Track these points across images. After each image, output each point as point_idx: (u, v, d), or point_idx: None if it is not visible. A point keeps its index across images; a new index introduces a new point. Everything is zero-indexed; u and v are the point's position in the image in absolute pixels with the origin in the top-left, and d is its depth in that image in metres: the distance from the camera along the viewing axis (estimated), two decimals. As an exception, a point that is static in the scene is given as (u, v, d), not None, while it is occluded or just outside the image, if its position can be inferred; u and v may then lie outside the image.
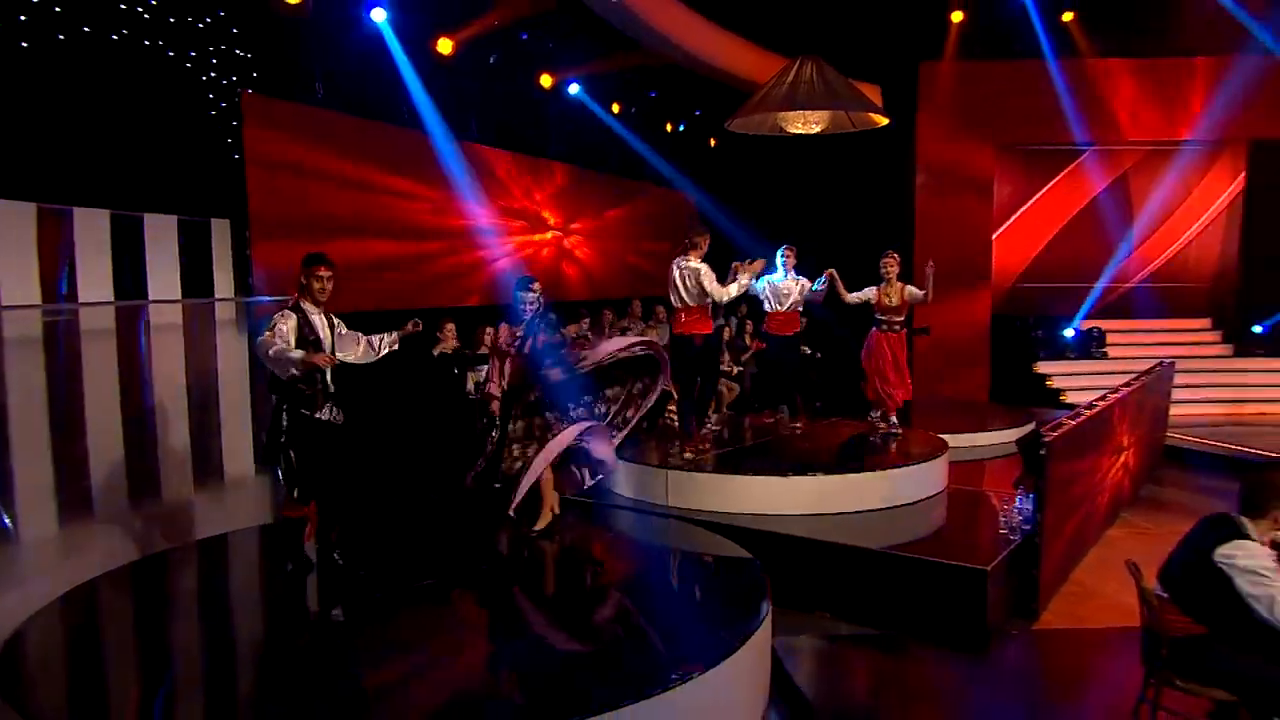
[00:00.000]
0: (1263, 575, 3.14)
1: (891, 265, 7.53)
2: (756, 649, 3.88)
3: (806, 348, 9.52)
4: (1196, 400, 11.36)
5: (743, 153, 11.61)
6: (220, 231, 6.64)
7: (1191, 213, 13.18)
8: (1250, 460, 8.91)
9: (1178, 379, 11.74)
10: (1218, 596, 3.20)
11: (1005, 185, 12.66)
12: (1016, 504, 6.01)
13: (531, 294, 5.14)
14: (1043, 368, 12.03)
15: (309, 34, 7.33)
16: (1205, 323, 12.87)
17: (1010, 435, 8.29)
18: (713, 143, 12.99)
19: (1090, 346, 12.38)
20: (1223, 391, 11.47)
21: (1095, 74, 11.28)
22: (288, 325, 4.32)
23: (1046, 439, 5.16)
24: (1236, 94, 10.85)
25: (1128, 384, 7.54)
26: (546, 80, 9.40)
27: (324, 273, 4.41)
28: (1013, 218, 13.00)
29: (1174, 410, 11.26)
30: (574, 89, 9.97)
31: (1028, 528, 5.32)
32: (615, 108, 10.80)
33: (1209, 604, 3.25)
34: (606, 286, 11.38)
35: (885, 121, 9.11)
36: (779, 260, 7.58)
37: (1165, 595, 3.43)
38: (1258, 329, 12.14)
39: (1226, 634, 3.23)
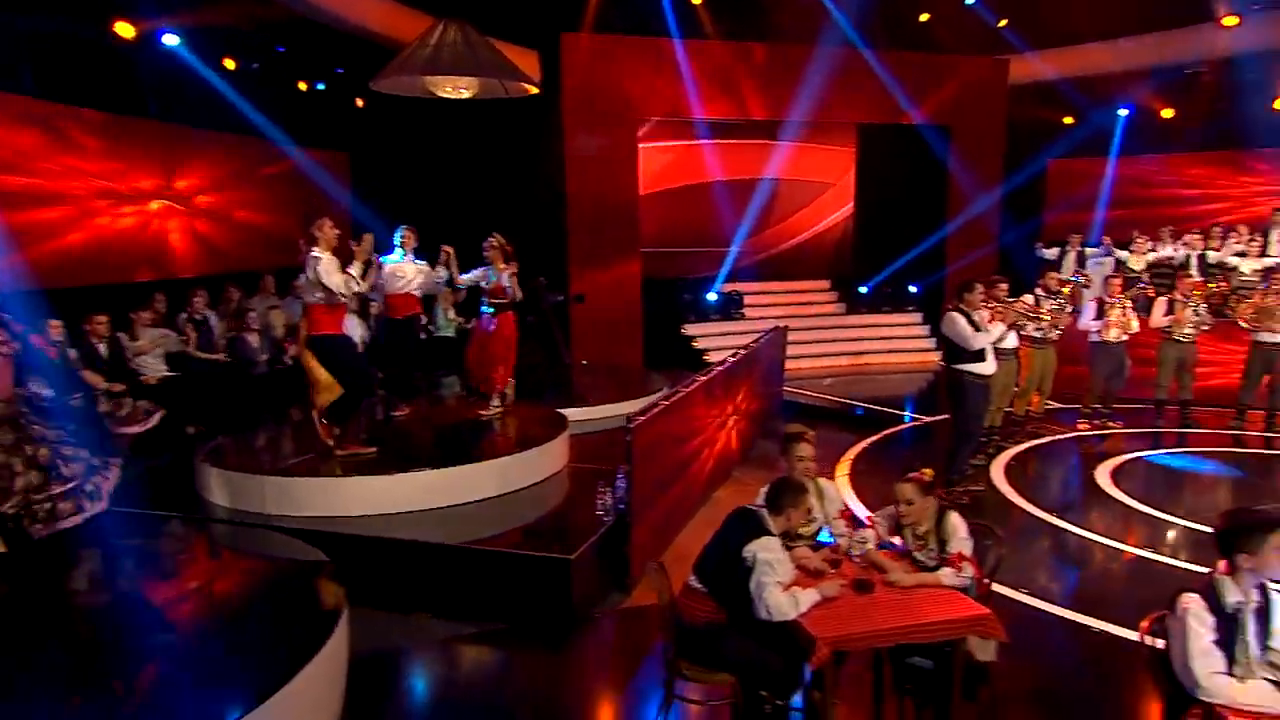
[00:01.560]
0: (773, 568, 3.46)
1: (492, 247, 7.42)
2: (328, 662, 3.67)
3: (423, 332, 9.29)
4: (816, 355, 12.84)
5: (395, 115, 11.05)
6: None
7: (826, 189, 14.75)
8: (852, 412, 10.20)
9: (803, 335, 13.17)
10: (741, 587, 3.48)
11: (652, 156, 13.23)
12: (615, 483, 6.28)
13: None
14: (689, 329, 12.89)
15: None
16: (824, 284, 14.51)
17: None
18: (360, 103, 12.20)
19: (730, 308, 13.44)
20: (838, 345, 13.05)
21: (722, 55, 12.05)
22: None
23: (632, 424, 5.40)
24: (836, 81, 12.21)
25: (734, 354, 8.22)
26: (126, 29, 8.16)
27: None
28: (662, 187, 13.69)
29: (799, 364, 12.63)
30: (171, 40, 8.78)
31: (621, 507, 5.57)
32: (229, 63, 9.70)
33: (733, 594, 3.52)
34: (232, 259, 10.36)
35: (535, 90, 9.09)
36: (396, 240, 7.26)
37: (701, 587, 3.68)
38: (863, 289, 13.89)
39: (741, 621, 3.53)
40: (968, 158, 13.33)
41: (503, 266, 7.39)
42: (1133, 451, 8.30)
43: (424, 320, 9.09)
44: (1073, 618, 4.90)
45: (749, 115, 12.55)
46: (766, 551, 3.47)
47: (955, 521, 3.74)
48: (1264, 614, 2.96)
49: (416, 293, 7.46)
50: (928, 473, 3.78)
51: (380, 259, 6.90)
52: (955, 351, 6.85)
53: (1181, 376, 9.12)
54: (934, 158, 13.43)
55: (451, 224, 8.22)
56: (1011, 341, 7.91)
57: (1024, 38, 13.02)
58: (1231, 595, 2.94)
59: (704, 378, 6.99)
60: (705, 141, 13.77)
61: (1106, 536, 6.12)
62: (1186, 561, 5.62)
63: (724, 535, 3.66)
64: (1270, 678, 2.97)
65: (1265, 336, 8.80)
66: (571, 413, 7.69)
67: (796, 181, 14.61)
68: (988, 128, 13.35)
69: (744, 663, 3.49)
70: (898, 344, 13.31)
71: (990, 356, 6.84)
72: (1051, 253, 12.14)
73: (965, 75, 13.05)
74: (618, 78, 11.66)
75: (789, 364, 12.43)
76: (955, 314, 6.80)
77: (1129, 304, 8.97)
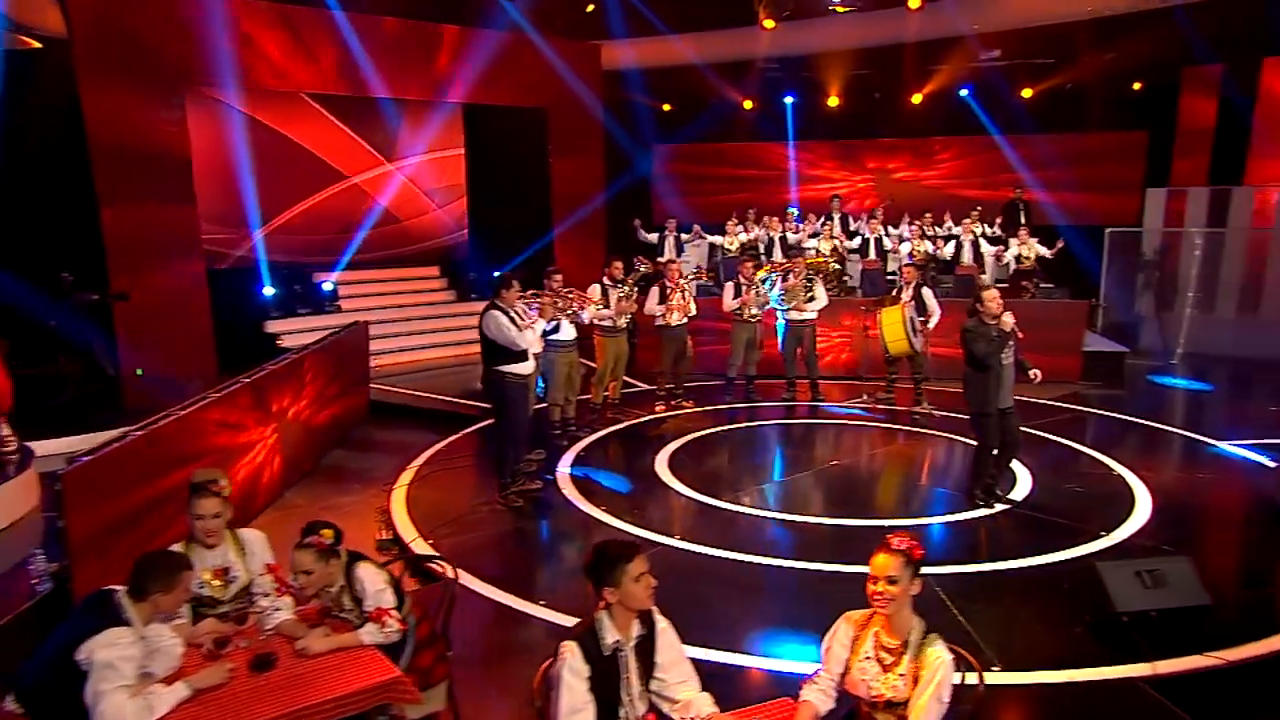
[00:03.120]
0: (115, 670, 2.71)
1: None
2: None
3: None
4: (424, 345, 12.19)
5: None
6: None
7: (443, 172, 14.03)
8: (442, 412, 9.68)
9: (412, 326, 12.45)
10: (75, 702, 2.69)
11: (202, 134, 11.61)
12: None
13: None
14: (274, 326, 11.61)
15: None
16: (434, 270, 13.87)
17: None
18: None
19: (324, 302, 12.35)
20: (449, 335, 12.49)
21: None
22: None
23: (68, 469, 4.36)
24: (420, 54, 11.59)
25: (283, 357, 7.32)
26: None
27: None
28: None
29: (405, 357, 11.90)
30: None
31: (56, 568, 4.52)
32: None
33: (66, 714, 2.72)
34: None
35: (37, 45, 7.41)
36: None
37: (18, 709, 2.81)
38: (472, 276, 13.48)
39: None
40: (567, 142, 13.38)
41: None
42: (697, 430, 8.68)
43: None
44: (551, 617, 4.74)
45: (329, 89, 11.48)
46: (108, 649, 2.73)
47: (364, 574, 3.28)
48: (647, 647, 2.82)
49: None
50: (327, 535, 3.26)
51: None
52: (493, 351, 6.55)
53: (750, 354, 9.77)
54: (538, 143, 13.34)
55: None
56: (568, 333, 7.87)
57: (619, 25, 13.33)
58: (609, 635, 2.76)
59: (237, 383, 6.07)
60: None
61: (659, 530, 6.09)
62: (711, 547, 5.76)
63: (59, 634, 2.85)
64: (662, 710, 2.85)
65: (794, 315, 9.66)
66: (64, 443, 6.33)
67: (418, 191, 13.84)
68: (584, 112, 13.46)
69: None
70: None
71: (530, 357, 6.64)
72: (651, 237, 12.55)
73: (559, 57, 13.01)
74: (150, 33, 9.89)
75: (392, 358, 11.74)
76: (496, 312, 6.49)
77: (687, 288, 9.38)
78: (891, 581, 2.76)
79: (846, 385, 10.45)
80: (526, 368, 6.61)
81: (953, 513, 6.44)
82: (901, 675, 2.74)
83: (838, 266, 11.46)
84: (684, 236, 12.64)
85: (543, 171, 13.38)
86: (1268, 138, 13.39)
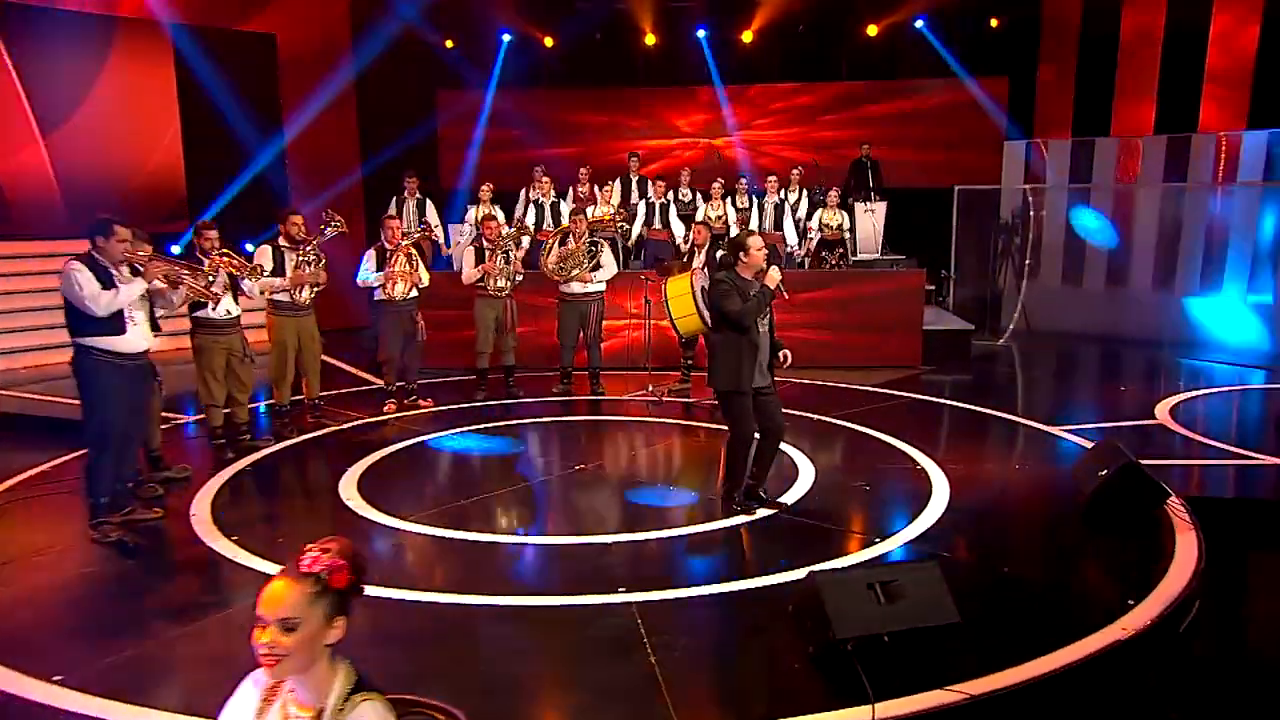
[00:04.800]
0: None
1: None
2: None
3: None
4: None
5: None
6: None
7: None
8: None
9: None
10: None
11: None
12: None
13: None
14: None
15: None
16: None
17: None
18: None
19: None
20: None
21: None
22: None
23: None
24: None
25: None
26: None
27: None
28: None
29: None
30: None
31: None
32: None
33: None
34: None
35: None
36: None
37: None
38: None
39: None
40: (305, 76, 12.46)
41: None
42: (417, 437, 7.88)
43: None
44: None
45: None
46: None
47: None
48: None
49: None
50: None
51: None
52: (77, 319, 5.58)
53: (503, 339, 9.05)
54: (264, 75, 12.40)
55: None
56: (226, 309, 6.97)
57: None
58: None
59: None
60: None
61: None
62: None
63: None
64: None
65: (576, 288, 9.04)
66: None
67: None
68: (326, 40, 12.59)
69: None
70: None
71: (137, 330, 5.70)
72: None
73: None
74: None
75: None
76: (76, 265, 5.52)
77: (414, 251, 8.59)
78: (288, 628, 2.04)
79: (635, 376, 9.86)
80: (127, 344, 5.64)
81: (700, 522, 5.89)
82: None
83: (625, 225, 10.79)
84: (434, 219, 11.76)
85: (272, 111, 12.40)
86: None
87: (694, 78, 15.76)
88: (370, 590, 2.22)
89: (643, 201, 11.49)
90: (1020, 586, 5.02)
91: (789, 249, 11.19)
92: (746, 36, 15.39)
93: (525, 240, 9.86)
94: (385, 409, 8.60)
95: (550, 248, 9.17)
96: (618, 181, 11.88)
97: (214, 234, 6.96)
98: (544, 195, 11.34)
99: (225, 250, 7.00)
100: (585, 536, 5.66)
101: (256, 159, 12.59)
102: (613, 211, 10.98)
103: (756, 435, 5.91)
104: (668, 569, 5.31)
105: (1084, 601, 4.88)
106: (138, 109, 12.62)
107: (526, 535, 5.85)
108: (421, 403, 8.79)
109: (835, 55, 15.71)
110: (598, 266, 9.06)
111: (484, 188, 11.38)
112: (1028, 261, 13.26)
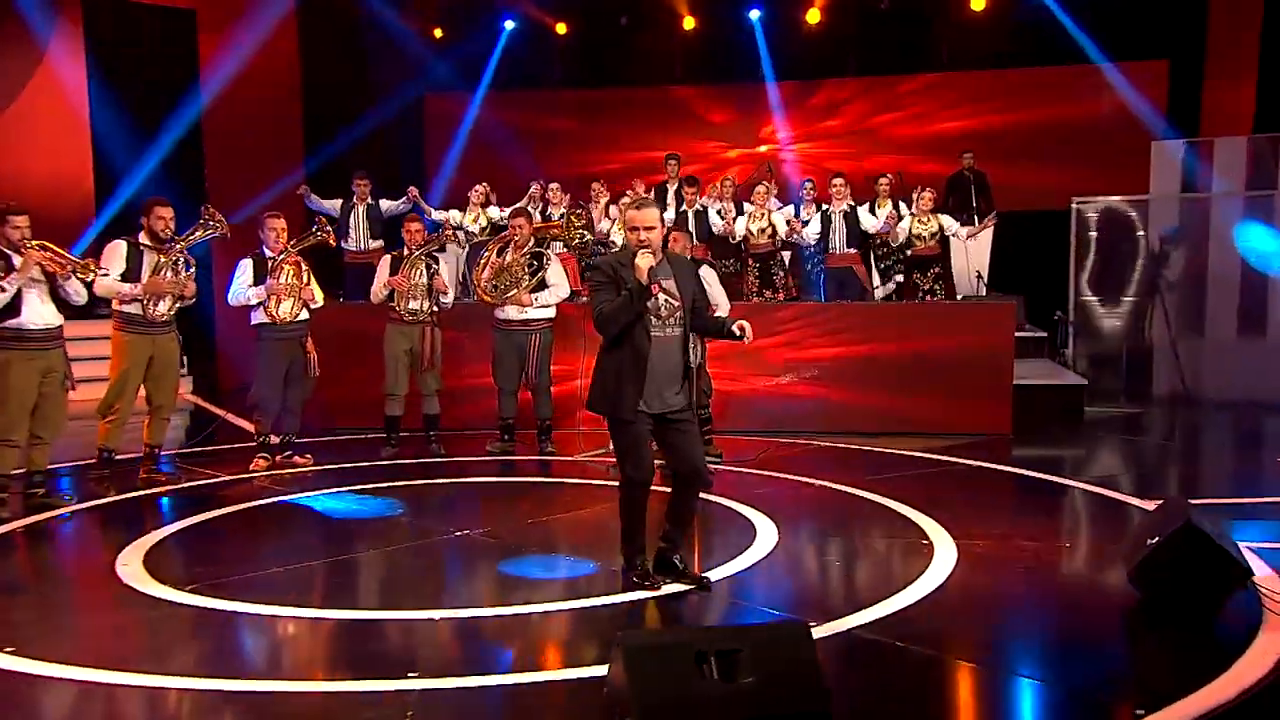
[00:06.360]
0: None
1: None
2: None
3: None
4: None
5: None
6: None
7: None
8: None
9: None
10: None
11: None
12: None
13: None
14: None
15: None
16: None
17: None
18: None
19: None
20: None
21: None
22: None
23: None
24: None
25: None
26: None
27: None
28: None
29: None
30: None
31: None
32: None
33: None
34: None
35: None
36: None
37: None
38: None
39: None
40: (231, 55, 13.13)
41: None
42: (282, 495, 7.58)
43: None
44: None
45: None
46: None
47: None
48: None
49: None
50: None
51: None
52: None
53: (421, 379, 8.73)
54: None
55: None
56: (47, 318, 6.91)
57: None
58: None
59: None
60: None
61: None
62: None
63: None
64: None
65: (512, 313, 8.67)
66: None
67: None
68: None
69: None
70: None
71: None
72: (332, 204, 11.65)
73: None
74: None
75: None
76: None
77: (300, 265, 8.34)
78: None
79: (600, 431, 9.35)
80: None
81: (582, 597, 5.39)
82: None
83: (586, 233, 10.20)
84: (384, 204, 11.79)
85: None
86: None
87: (742, 73, 15.72)
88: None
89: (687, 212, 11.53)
90: (986, 681, 4.39)
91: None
92: (812, 16, 15.15)
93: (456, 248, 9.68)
94: (253, 466, 8.27)
95: (486, 260, 8.86)
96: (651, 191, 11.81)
97: (23, 221, 6.87)
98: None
99: (42, 242, 6.94)
100: (407, 612, 5.25)
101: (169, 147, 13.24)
102: (567, 214, 10.17)
103: (650, 479, 5.39)
104: (484, 651, 4.93)
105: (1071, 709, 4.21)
106: (42, 88, 13.24)
107: (328, 609, 5.42)
108: (299, 459, 8.44)
109: (927, 40, 15.36)
110: (543, 286, 8.68)
111: (478, 189, 11.77)
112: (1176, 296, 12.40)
